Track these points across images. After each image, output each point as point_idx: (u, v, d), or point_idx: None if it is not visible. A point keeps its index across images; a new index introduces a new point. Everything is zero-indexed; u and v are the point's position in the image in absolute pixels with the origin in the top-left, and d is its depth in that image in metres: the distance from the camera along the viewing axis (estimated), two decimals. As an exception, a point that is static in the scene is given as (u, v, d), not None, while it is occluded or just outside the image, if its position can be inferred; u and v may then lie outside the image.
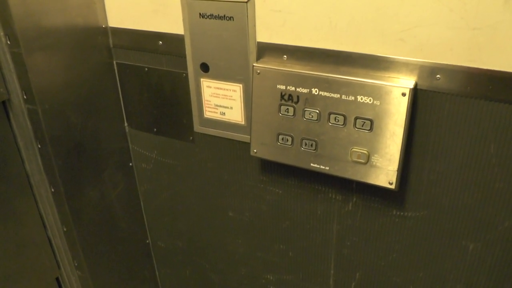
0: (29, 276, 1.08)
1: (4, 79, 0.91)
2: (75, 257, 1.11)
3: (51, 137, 0.96)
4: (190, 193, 1.16)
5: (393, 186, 0.80)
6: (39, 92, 0.91)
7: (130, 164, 1.20)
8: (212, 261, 1.25)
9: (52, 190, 1.02)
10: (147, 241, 1.33)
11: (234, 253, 1.18)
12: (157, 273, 1.41)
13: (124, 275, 1.28)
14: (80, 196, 1.07)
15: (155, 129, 1.11)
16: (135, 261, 1.32)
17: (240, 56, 0.88)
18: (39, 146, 0.97)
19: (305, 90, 0.81)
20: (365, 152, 0.80)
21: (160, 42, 0.98)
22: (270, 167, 1.00)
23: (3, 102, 0.94)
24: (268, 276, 1.16)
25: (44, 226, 1.09)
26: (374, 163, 0.80)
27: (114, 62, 1.07)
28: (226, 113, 0.96)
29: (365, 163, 0.81)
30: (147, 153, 1.16)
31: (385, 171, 0.80)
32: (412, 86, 0.73)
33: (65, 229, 1.07)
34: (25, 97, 0.92)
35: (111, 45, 1.05)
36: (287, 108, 0.84)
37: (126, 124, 1.15)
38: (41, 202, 1.06)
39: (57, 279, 1.16)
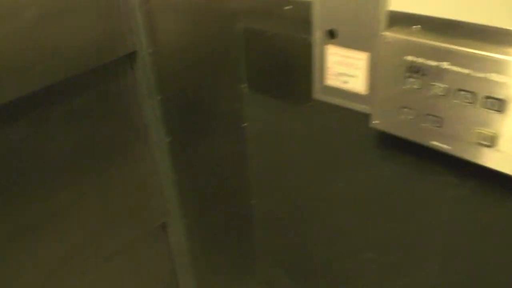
0: (137, 218, 1.14)
1: (134, 32, 0.96)
2: (183, 206, 1.16)
3: (172, 90, 1.00)
4: (301, 159, 1.16)
5: (519, 175, 0.75)
6: (164, 48, 0.96)
7: (244, 124, 1.22)
8: (315, 231, 1.25)
9: (168, 140, 1.07)
10: (252, 202, 1.36)
11: (338, 226, 1.18)
12: (256, 234, 1.43)
13: (225, 231, 1.33)
14: (193, 149, 1.12)
15: (273, 93, 1.12)
16: (238, 219, 1.36)
17: (369, 24, 0.86)
18: (159, 97, 1.01)
19: (434, 63, 0.78)
20: (492, 134, 0.75)
21: (287, 7, 0.98)
22: (386, 141, 0.97)
23: (130, 54, 0.99)
24: (371, 255, 1.15)
25: (157, 173, 1.14)
26: (500, 147, 0.75)
27: (238, 26, 1.09)
28: (349, 82, 0.95)
29: (491, 147, 0.76)
30: (262, 116, 1.18)
31: (511, 158, 0.75)
32: (555, 68, 0.68)
33: (176, 178, 1.12)
34: (150, 50, 0.96)
35: (236, 9, 1.06)
36: (414, 81, 0.81)
37: (244, 85, 1.16)
38: (157, 150, 1.11)
39: (163, 224, 1.22)
